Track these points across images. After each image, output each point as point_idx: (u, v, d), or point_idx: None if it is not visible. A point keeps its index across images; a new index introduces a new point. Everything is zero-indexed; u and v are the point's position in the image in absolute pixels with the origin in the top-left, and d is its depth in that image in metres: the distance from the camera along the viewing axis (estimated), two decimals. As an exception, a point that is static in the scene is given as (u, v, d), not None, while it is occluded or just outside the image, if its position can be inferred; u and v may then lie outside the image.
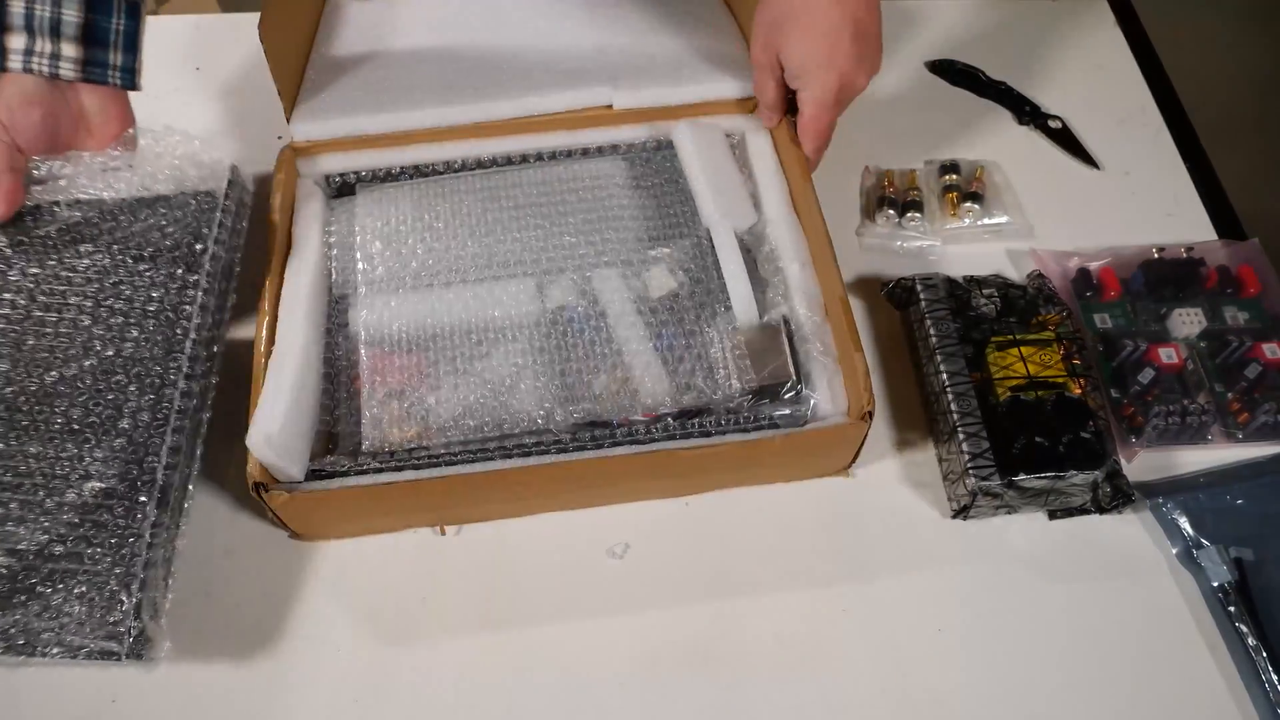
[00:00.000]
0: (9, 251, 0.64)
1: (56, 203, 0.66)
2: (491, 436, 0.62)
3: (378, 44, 0.82)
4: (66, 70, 0.63)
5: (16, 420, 0.58)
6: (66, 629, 0.53)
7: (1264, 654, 0.59)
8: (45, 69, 0.63)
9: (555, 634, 0.61)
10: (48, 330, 0.61)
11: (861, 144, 0.76)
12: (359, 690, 0.59)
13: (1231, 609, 0.61)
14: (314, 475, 0.59)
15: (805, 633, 0.61)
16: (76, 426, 0.58)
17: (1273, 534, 0.63)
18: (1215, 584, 0.62)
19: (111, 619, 0.53)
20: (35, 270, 0.63)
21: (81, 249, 0.64)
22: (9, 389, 0.59)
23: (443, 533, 0.64)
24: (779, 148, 0.74)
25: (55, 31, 0.62)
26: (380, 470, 0.59)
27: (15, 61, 0.62)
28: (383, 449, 0.61)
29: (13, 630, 0.53)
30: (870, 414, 0.59)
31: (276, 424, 0.57)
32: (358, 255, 0.70)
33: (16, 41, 0.62)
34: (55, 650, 0.54)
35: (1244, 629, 0.60)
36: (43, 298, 0.62)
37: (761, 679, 0.59)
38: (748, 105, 0.76)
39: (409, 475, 0.59)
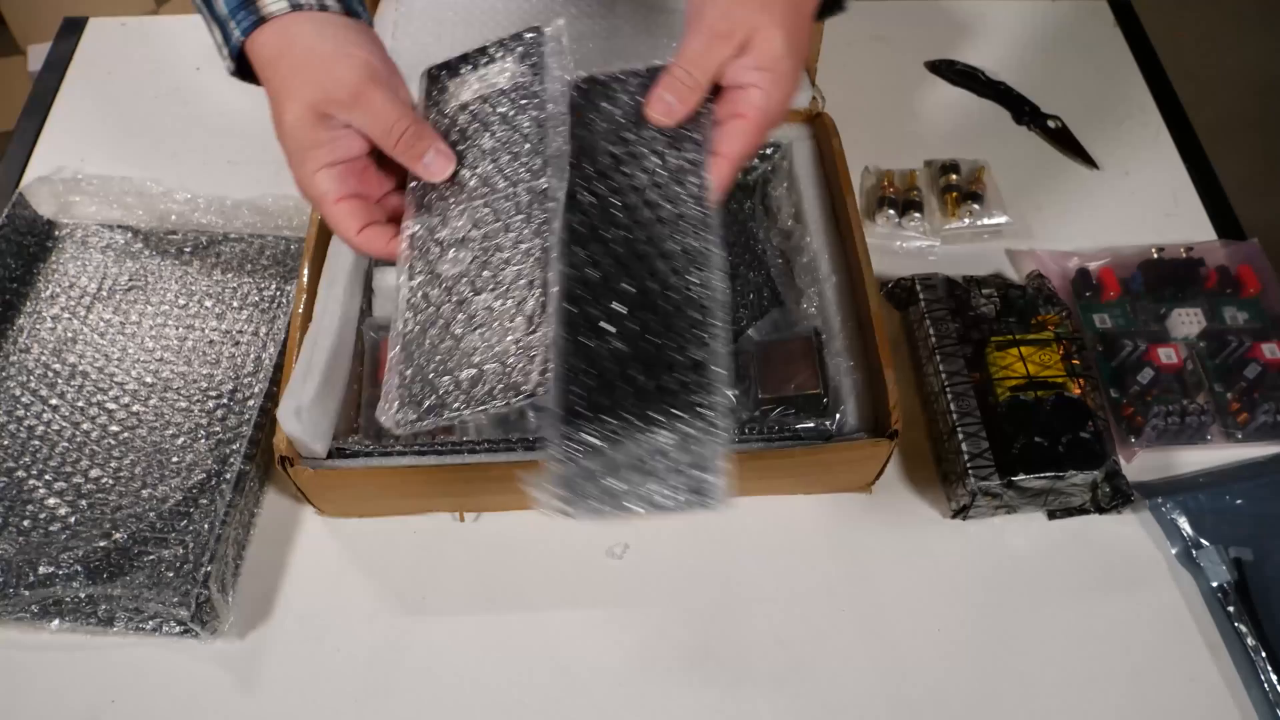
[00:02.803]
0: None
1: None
2: (510, 433, 0.62)
3: (432, 26, 0.81)
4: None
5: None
6: (144, 598, 0.58)
7: (1263, 654, 0.59)
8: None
9: (557, 630, 0.61)
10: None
11: (861, 144, 0.76)
12: (361, 671, 0.59)
13: (1231, 609, 0.61)
14: (338, 453, 0.60)
15: (804, 633, 0.61)
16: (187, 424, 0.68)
17: (1272, 534, 0.63)
18: (1214, 584, 0.62)
19: (184, 588, 0.59)
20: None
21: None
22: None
23: (462, 519, 0.65)
24: (824, 160, 0.73)
25: None
26: (403, 453, 0.59)
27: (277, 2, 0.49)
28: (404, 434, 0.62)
29: (99, 599, 0.60)
30: (896, 433, 0.58)
31: (306, 399, 0.57)
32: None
33: None
34: (131, 620, 0.60)
35: (1243, 629, 0.60)
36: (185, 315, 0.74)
37: (761, 679, 0.59)
38: (797, 115, 0.74)
39: (431, 460, 0.59)
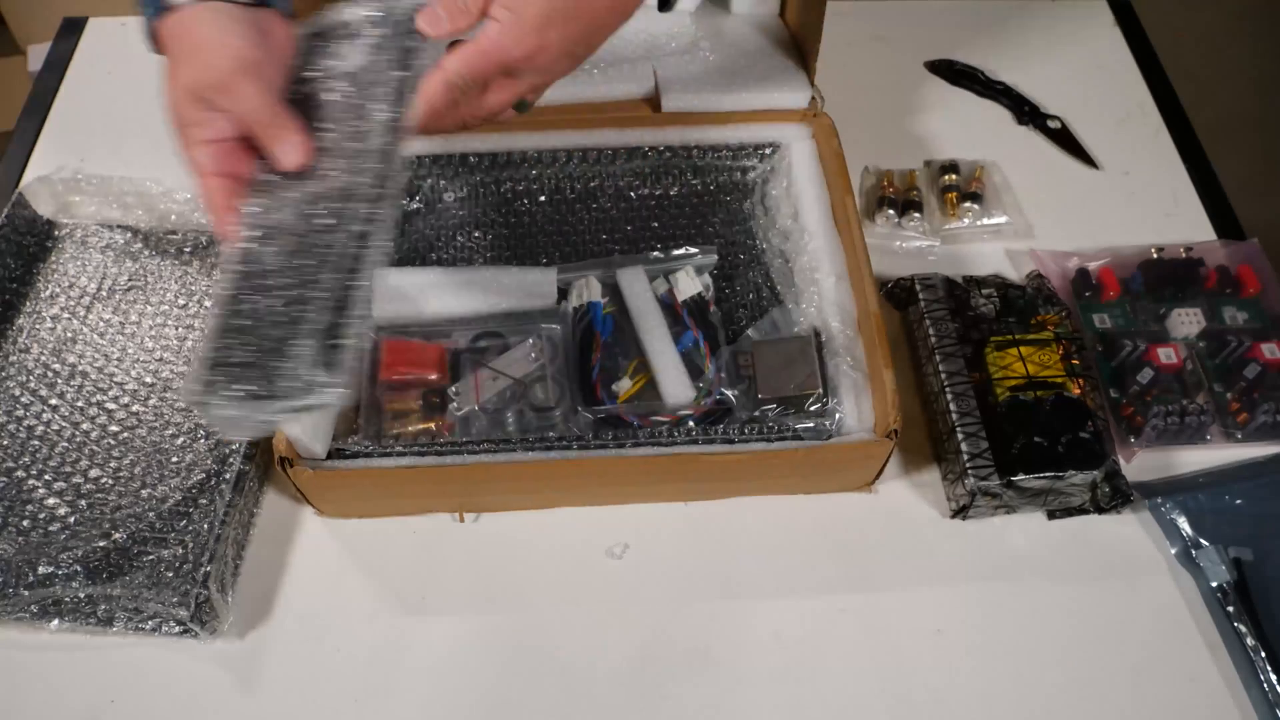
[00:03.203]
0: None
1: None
2: (509, 432, 0.63)
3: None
4: None
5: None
6: (144, 598, 0.58)
7: (1263, 654, 0.59)
8: None
9: (557, 630, 0.61)
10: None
11: (861, 144, 0.76)
12: (361, 671, 0.59)
13: (1230, 609, 0.61)
14: (337, 454, 0.60)
15: (804, 633, 0.61)
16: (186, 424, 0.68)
17: (1272, 534, 0.63)
18: (1214, 584, 0.62)
19: (184, 588, 0.58)
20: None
21: None
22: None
23: (461, 519, 0.65)
24: (824, 160, 0.73)
25: None
26: (403, 454, 0.60)
27: None
28: (402, 434, 0.62)
29: (98, 599, 0.59)
30: (896, 433, 0.59)
31: None
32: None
33: None
34: (131, 620, 0.60)
35: (1243, 629, 0.60)
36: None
37: (760, 679, 0.59)
38: (796, 115, 0.75)
39: (431, 460, 0.59)
